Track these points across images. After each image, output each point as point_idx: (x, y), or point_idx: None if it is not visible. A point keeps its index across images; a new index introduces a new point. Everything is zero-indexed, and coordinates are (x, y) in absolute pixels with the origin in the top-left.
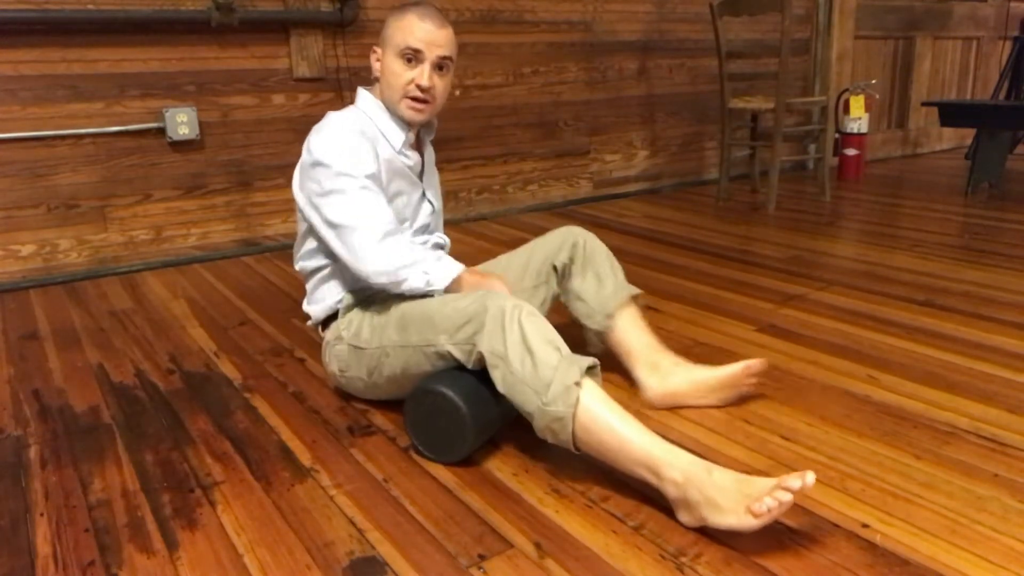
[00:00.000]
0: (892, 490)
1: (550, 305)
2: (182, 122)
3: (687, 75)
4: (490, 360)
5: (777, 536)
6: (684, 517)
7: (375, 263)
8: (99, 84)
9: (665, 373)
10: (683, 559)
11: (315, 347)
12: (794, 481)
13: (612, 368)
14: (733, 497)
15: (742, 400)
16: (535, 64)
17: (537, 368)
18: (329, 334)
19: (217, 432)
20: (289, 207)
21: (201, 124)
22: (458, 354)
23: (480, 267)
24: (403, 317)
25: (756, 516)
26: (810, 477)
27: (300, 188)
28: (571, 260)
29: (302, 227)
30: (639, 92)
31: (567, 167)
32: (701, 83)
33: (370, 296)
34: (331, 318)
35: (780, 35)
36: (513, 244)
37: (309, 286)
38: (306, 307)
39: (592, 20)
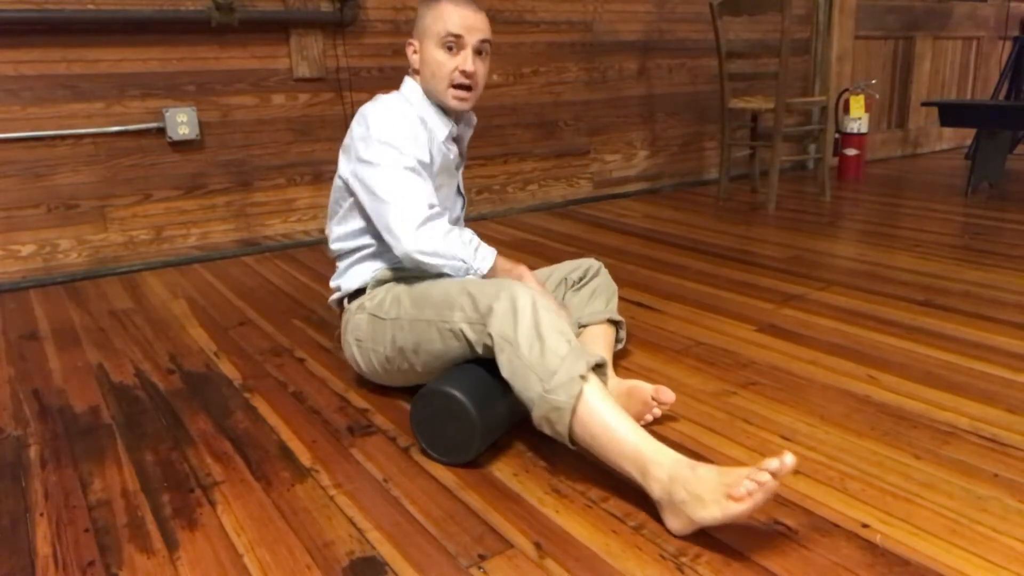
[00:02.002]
0: (892, 490)
1: None
2: (182, 122)
3: (687, 75)
4: (498, 343)
5: (777, 536)
6: (673, 523)
7: (413, 245)
8: (99, 84)
9: None
10: (683, 559)
11: (315, 347)
12: (772, 462)
13: None
14: (715, 489)
15: (649, 425)
16: (535, 64)
17: (544, 355)
18: (354, 304)
19: (217, 432)
20: (289, 207)
21: (201, 124)
22: (470, 334)
23: None
24: (423, 292)
25: (737, 500)
26: (789, 458)
27: (347, 160)
28: (580, 279)
29: (342, 207)
30: (639, 92)
31: (567, 167)
32: (701, 83)
33: (402, 275)
34: (358, 293)
35: (780, 35)
36: (513, 244)
37: (343, 265)
38: (334, 282)
39: (592, 20)
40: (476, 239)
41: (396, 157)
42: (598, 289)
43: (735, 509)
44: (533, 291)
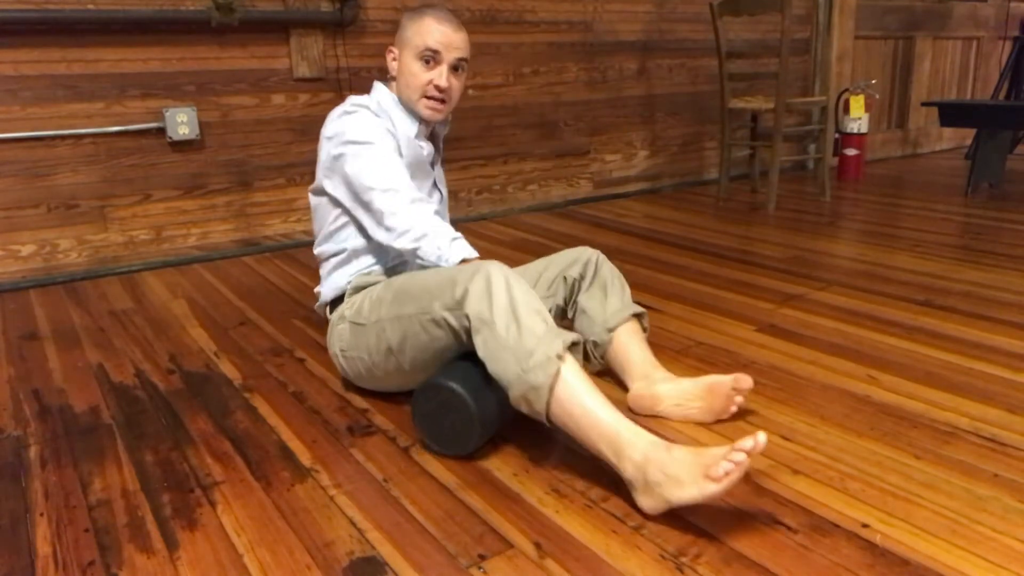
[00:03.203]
0: (892, 490)
1: (554, 315)
2: (182, 122)
3: (687, 75)
4: (475, 324)
5: (777, 536)
6: (645, 502)
7: (403, 223)
8: (99, 84)
9: (653, 381)
10: (683, 559)
11: (315, 347)
12: (746, 442)
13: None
14: (692, 470)
15: (727, 420)
16: (535, 64)
17: (521, 335)
18: (335, 315)
19: (217, 432)
20: (289, 207)
21: (201, 124)
22: (452, 320)
23: None
24: (399, 290)
25: (715, 480)
26: (762, 436)
27: (322, 163)
28: (582, 276)
29: (320, 212)
30: (639, 92)
31: (567, 167)
32: (701, 83)
33: (376, 281)
34: (339, 301)
35: (780, 35)
36: (513, 244)
37: (324, 270)
38: (317, 289)
39: (592, 20)
40: (457, 234)
41: (374, 149)
42: (608, 284)
43: (712, 489)
44: (506, 271)
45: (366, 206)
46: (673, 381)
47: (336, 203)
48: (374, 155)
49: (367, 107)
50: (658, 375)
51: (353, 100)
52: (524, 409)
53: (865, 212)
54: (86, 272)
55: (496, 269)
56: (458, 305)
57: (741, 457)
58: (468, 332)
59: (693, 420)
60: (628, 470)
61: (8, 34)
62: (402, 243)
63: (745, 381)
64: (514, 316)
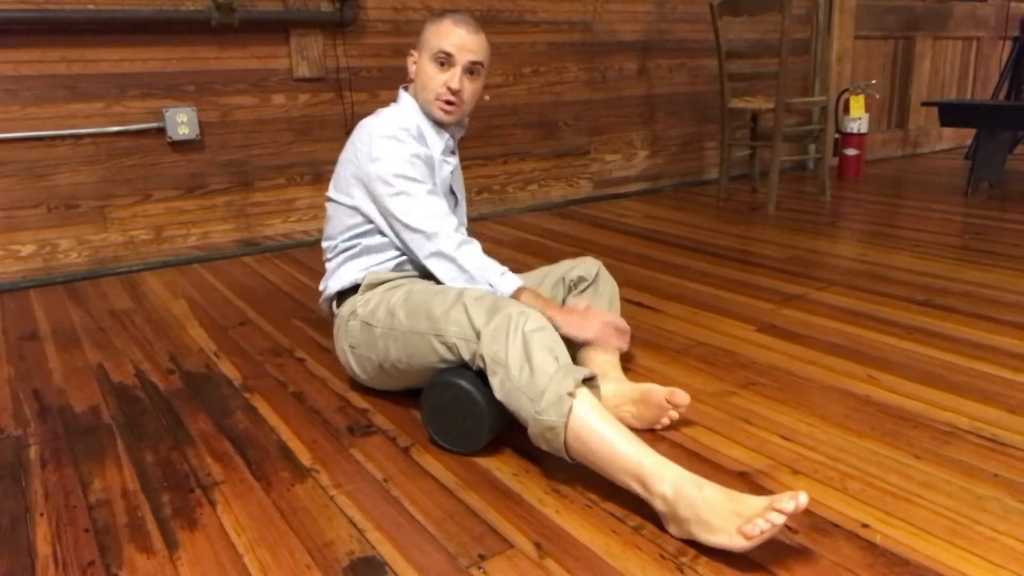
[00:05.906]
0: (892, 490)
1: None
2: (182, 122)
3: (687, 75)
4: (490, 366)
5: (777, 536)
6: (673, 529)
7: (450, 267)
8: (99, 84)
9: (604, 381)
10: (683, 559)
11: (315, 347)
12: (787, 503)
13: None
14: (724, 516)
15: (658, 431)
16: (535, 64)
17: (534, 376)
18: (344, 309)
19: (217, 432)
20: (289, 207)
21: (201, 124)
22: (464, 350)
23: None
24: (417, 304)
25: (748, 538)
26: (803, 498)
27: (355, 175)
28: (580, 279)
29: (338, 213)
30: (639, 92)
31: (567, 167)
32: (701, 83)
33: (392, 279)
34: (347, 294)
35: (780, 35)
36: (513, 244)
37: (333, 264)
38: (324, 283)
39: (592, 20)
40: (504, 268)
41: (418, 187)
42: (599, 292)
43: (743, 544)
44: (526, 310)
45: (412, 242)
46: (618, 383)
47: (360, 212)
48: (420, 196)
49: (408, 130)
50: (612, 375)
51: (393, 119)
52: (544, 447)
53: (865, 212)
54: (86, 272)
55: (515, 308)
56: (473, 339)
57: (780, 520)
58: (478, 366)
59: (627, 424)
60: (659, 505)
61: (8, 34)
62: (446, 280)
63: (680, 396)
64: (527, 356)
